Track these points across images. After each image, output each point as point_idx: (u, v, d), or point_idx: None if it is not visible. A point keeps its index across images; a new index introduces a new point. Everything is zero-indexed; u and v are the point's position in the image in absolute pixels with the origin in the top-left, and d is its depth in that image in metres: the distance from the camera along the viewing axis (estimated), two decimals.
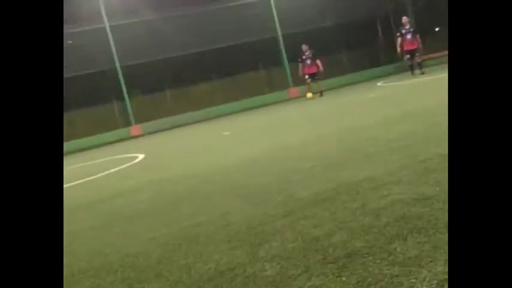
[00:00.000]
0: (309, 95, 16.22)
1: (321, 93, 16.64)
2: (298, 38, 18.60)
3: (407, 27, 15.17)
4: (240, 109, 19.44)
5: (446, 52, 18.32)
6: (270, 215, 2.61)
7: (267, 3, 21.49)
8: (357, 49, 22.83)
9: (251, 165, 4.68)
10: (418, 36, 15.12)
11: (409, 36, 15.09)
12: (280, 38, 21.42)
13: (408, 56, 15.15)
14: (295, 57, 17.92)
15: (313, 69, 16.44)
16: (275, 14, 21.43)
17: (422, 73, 14.63)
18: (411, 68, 15.34)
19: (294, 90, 20.72)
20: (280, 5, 21.44)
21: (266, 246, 2.10)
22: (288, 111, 13.30)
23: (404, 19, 15.57)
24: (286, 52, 20.95)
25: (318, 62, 16.48)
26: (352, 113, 7.95)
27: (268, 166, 4.34)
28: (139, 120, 19.68)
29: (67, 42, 19.14)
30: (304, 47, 16.64)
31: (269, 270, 1.82)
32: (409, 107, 6.49)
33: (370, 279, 1.54)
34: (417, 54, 15.08)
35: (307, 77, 16.61)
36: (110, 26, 19.45)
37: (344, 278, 1.59)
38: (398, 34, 15.82)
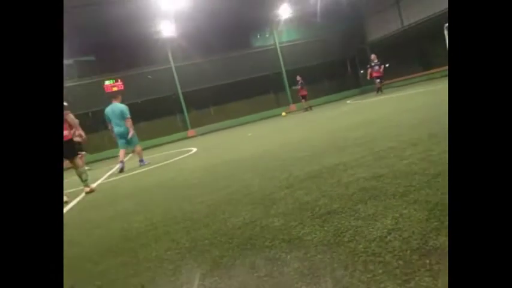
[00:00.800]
0: (283, 114, 16.26)
1: (310, 107, 16.48)
2: (295, 72, 18.49)
3: (375, 61, 14.74)
4: (258, 119, 19.48)
5: (398, 79, 18.05)
6: (277, 186, 2.60)
7: (275, 50, 21.46)
8: (333, 78, 22.62)
9: (265, 154, 4.67)
10: (382, 67, 14.66)
11: (376, 67, 14.66)
12: (284, 72, 21.37)
13: (378, 80, 14.66)
14: (293, 84, 17.80)
15: (304, 92, 16.25)
16: (280, 57, 21.39)
17: (381, 93, 14.29)
18: (377, 90, 14.89)
19: (293, 106, 20.71)
20: (283, 51, 21.45)
21: (274, 207, 2.10)
22: (289, 120, 13.22)
23: (373, 56, 15.09)
24: (287, 81, 20.86)
25: (305, 88, 16.25)
26: (331, 121, 7.86)
27: (276, 155, 4.32)
28: (194, 126, 19.86)
29: (148, 77, 19.40)
30: (298, 78, 16.28)
31: (277, 223, 1.81)
32: (370, 116, 6.39)
33: (342, 229, 1.52)
34: (381, 80, 14.66)
35: (301, 97, 16.47)
36: (174, 66, 19.64)
37: (326, 228, 1.58)
38: (368, 66, 15.37)
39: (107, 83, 18.38)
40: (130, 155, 9.45)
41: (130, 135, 7.14)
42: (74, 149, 4.91)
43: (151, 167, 6.68)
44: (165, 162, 7.01)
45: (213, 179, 3.76)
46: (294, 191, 2.34)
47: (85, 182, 4.89)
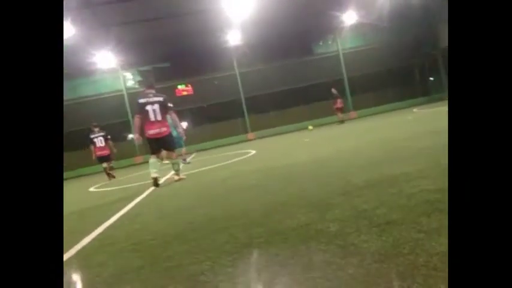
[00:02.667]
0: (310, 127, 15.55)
1: (343, 121, 15.68)
2: (358, 78, 17.82)
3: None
4: (317, 125, 19.13)
5: None
6: (333, 192, 2.55)
7: (337, 57, 20.95)
8: (399, 85, 21.26)
9: (322, 160, 4.60)
10: None
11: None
12: (346, 79, 20.74)
13: None
14: (359, 91, 17.09)
15: (340, 105, 15.35)
16: (342, 63, 20.81)
17: None
18: None
19: (353, 113, 20.01)
20: (346, 57, 20.82)
21: (330, 213, 2.07)
22: (346, 127, 12.76)
23: None
24: (349, 88, 20.22)
25: (341, 101, 15.34)
26: (394, 129, 7.41)
27: (333, 161, 4.23)
28: (253, 129, 20.33)
29: (214, 82, 20.39)
30: (334, 90, 15.25)
31: (332, 228, 1.79)
32: (437, 125, 5.88)
33: (402, 240, 1.44)
34: None
35: (337, 110, 15.60)
36: (238, 73, 20.35)
37: (384, 238, 1.51)
38: None
39: (179, 87, 19.76)
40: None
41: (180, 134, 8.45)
42: (173, 142, 5.78)
43: (213, 166, 7.00)
44: (225, 163, 7.29)
45: (269, 181, 3.81)
46: (351, 198, 2.28)
47: (177, 171, 5.64)
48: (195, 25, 16.99)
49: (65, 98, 19.26)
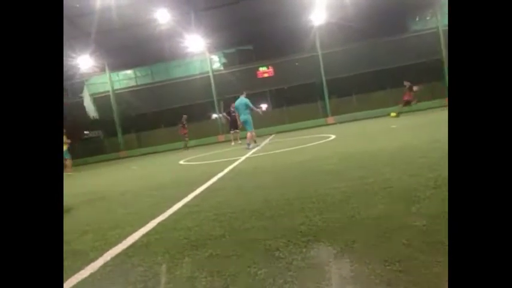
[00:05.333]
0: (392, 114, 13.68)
1: (399, 115, 13.56)
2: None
3: None
4: (406, 111, 17.39)
5: None
6: (422, 185, 2.34)
7: (436, 34, 18.48)
8: None
9: (409, 149, 4.22)
10: None
11: None
12: (444, 58, 18.27)
13: None
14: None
15: (408, 98, 13.20)
16: (442, 40, 18.30)
17: None
18: None
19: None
20: (446, 34, 18.17)
21: (417, 205, 1.91)
22: (444, 113, 11.34)
23: None
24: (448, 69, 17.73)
25: (411, 93, 13.22)
26: None
27: (423, 151, 3.84)
28: (333, 113, 19.66)
29: (295, 64, 20.19)
30: (406, 83, 13.31)
31: (418, 222, 1.66)
32: None
33: None
34: None
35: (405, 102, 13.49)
36: (321, 54, 19.69)
37: None
38: None
39: (260, 69, 20.17)
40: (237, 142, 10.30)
41: (259, 112, 9.56)
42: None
43: (289, 149, 7.06)
44: (302, 146, 7.27)
45: (348, 167, 3.68)
46: (441, 193, 2.06)
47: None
48: (278, 6, 16.88)
49: (159, 79, 21.49)
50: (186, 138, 16.36)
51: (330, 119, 19.41)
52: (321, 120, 19.53)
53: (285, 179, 3.59)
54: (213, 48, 20.39)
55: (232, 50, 20.95)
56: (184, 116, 15.43)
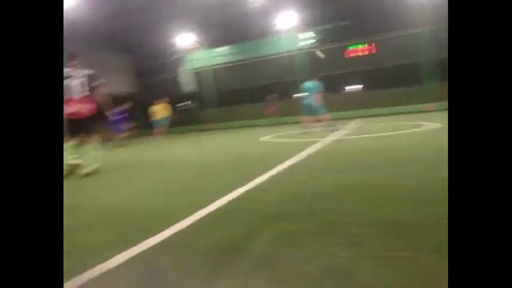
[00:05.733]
0: None
1: None
2: None
3: None
4: None
5: None
6: None
7: None
8: None
9: None
10: None
11: None
12: None
13: None
14: None
15: None
16: None
17: None
18: None
19: None
20: None
21: None
22: None
23: None
24: None
25: None
26: None
27: None
28: (434, 99, 17.57)
29: (392, 42, 18.41)
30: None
31: None
32: None
33: None
34: None
35: None
36: (434, 29, 17.36)
37: None
38: None
39: (354, 47, 19.04)
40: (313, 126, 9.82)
41: (317, 104, 9.04)
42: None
43: (381, 135, 6.63)
44: (393, 133, 6.75)
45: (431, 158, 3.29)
46: None
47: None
48: None
49: (248, 56, 22.10)
50: (270, 116, 16.84)
51: (428, 106, 17.39)
52: (418, 106, 17.65)
53: (371, 166, 3.42)
54: (305, 26, 19.92)
55: (328, 26, 20.14)
56: (273, 96, 15.77)
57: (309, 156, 4.52)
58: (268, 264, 1.36)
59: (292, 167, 3.69)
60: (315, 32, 20.64)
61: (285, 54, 21.26)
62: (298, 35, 20.65)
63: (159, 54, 23.19)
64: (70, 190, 3.40)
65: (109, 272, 1.39)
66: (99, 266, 1.44)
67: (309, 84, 9.34)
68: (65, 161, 4.15)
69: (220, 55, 23.49)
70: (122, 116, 10.38)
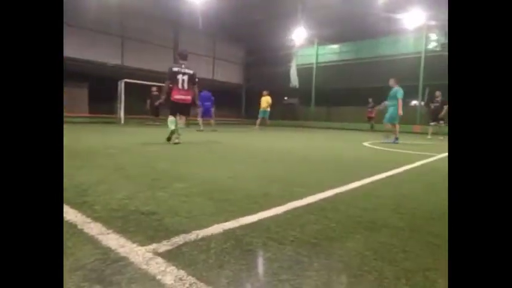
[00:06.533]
0: None
1: None
2: None
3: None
4: None
5: None
6: None
7: None
8: None
9: None
10: None
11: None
12: None
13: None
14: None
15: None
16: None
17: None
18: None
19: None
20: None
21: None
22: None
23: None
24: None
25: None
26: None
27: None
28: None
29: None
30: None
31: None
32: None
33: None
34: None
35: None
36: None
37: None
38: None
39: None
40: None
41: (398, 112, 8.60)
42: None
43: None
44: None
45: None
46: None
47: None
48: None
49: (362, 56, 20.92)
50: (372, 122, 16.16)
51: None
52: None
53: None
54: (433, 26, 17.75)
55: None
56: (371, 103, 15.36)
57: (420, 170, 4.07)
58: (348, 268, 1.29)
59: (395, 178, 3.39)
60: (443, 34, 18.13)
61: (406, 56, 19.35)
62: (428, 34, 18.52)
63: (272, 48, 24.08)
64: (177, 164, 3.88)
65: (202, 239, 1.53)
66: (195, 231, 1.61)
67: (399, 89, 8.77)
68: (170, 127, 6.07)
69: (331, 53, 22.94)
70: (208, 105, 12.08)
